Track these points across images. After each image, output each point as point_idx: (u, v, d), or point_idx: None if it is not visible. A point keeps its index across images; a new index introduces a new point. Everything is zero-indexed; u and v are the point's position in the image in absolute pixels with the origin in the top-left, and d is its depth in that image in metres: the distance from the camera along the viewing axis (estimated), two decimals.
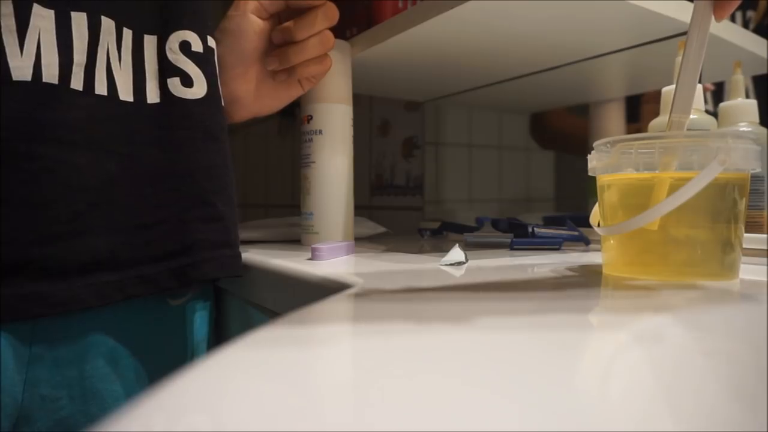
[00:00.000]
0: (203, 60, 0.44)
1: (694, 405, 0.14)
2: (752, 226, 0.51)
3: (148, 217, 0.41)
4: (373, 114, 1.08)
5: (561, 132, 0.99)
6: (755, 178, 0.51)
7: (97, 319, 0.40)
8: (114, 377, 0.41)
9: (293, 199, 1.35)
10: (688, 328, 0.23)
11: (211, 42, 0.46)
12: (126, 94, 0.41)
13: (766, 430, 0.12)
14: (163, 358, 0.44)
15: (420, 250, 0.56)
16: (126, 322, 0.42)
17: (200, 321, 0.48)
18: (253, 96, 0.52)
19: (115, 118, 0.40)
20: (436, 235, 0.75)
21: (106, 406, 0.40)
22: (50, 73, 0.36)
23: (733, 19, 0.68)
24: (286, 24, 0.49)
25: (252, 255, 0.50)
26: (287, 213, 0.76)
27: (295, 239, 0.66)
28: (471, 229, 0.68)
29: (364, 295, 0.30)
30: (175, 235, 0.42)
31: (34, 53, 0.36)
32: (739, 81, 0.54)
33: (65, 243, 0.37)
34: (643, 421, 0.13)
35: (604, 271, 0.38)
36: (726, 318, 0.26)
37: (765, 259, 0.44)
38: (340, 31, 0.75)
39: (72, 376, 0.39)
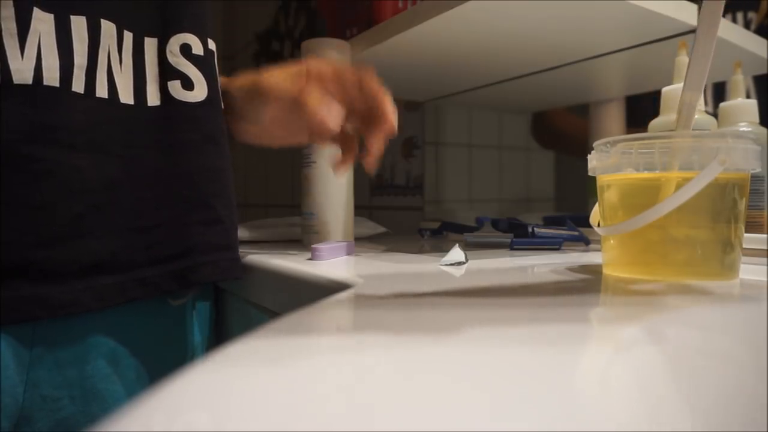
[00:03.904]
0: (204, 63, 0.44)
1: (694, 405, 0.14)
2: (752, 226, 0.51)
3: (148, 220, 0.41)
4: None
5: (563, 133, 0.99)
6: (755, 178, 0.51)
7: (98, 320, 0.40)
8: (115, 377, 0.41)
9: (293, 199, 1.35)
10: (688, 328, 0.23)
11: (212, 44, 0.46)
12: (126, 96, 0.41)
13: (766, 430, 0.12)
14: (163, 358, 0.44)
15: (420, 250, 0.56)
16: (126, 323, 0.42)
17: (200, 321, 0.48)
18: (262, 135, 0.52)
19: (115, 120, 0.40)
20: (436, 235, 0.75)
21: (106, 406, 0.40)
22: (51, 76, 0.36)
23: (734, 19, 0.68)
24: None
25: (252, 255, 0.49)
26: (287, 213, 0.76)
27: (295, 239, 0.66)
28: (471, 229, 0.68)
29: (363, 295, 0.30)
30: (175, 237, 0.42)
31: (35, 56, 0.36)
32: (739, 81, 0.54)
33: (66, 245, 0.37)
34: (642, 420, 0.13)
35: (604, 271, 0.38)
36: (726, 318, 0.26)
37: (765, 259, 0.44)
38: (340, 31, 0.75)
39: (73, 377, 0.39)
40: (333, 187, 0.59)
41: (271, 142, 0.52)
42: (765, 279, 0.36)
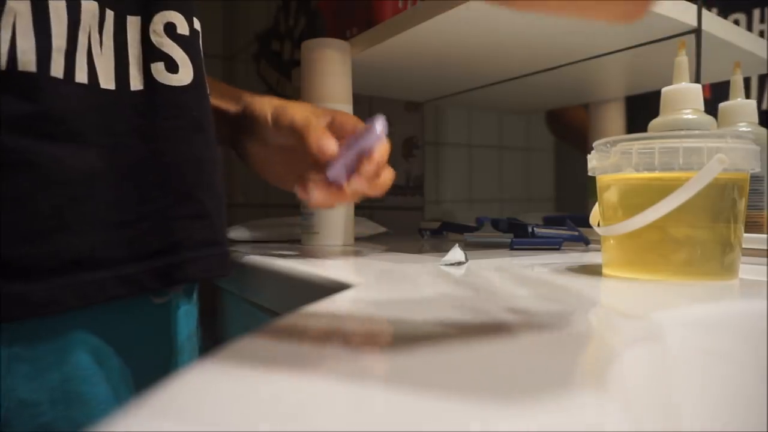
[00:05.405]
0: (189, 43, 0.42)
1: (693, 405, 0.14)
2: (752, 226, 0.51)
3: (130, 214, 0.39)
4: (373, 114, 1.08)
5: (577, 126, 0.98)
6: (755, 178, 0.51)
7: (78, 319, 0.38)
8: (97, 379, 0.39)
9: (293, 199, 1.35)
10: (688, 328, 0.23)
11: (197, 24, 0.43)
12: (107, 81, 0.38)
13: (766, 430, 0.12)
14: (147, 357, 0.42)
15: (420, 250, 0.56)
16: (108, 322, 0.40)
17: (185, 319, 0.47)
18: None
19: (96, 107, 0.37)
20: (436, 235, 0.75)
21: (89, 409, 0.38)
22: (27, 60, 0.34)
23: (749, 18, 0.68)
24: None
25: (252, 255, 0.49)
26: (287, 213, 0.76)
27: (295, 239, 0.66)
28: (471, 229, 0.68)
29: (363, 295, 0.30)
30: (159, 232, 0.40)
31: (9, 40, 0.33)
32: (739, 81, 0.54)
33: (44, 240, 0.35)
34: (642, 420, 0.13)
35: (604, 271, 0.38)
36: (725, 318, 0.26)
37: (765, 259, 0.44)
38: (340, 31, 0.75)
39: (53, 379, 0.37)
40: None
41: (268, 176, 0.53)
42: (765, 279, 0.36)
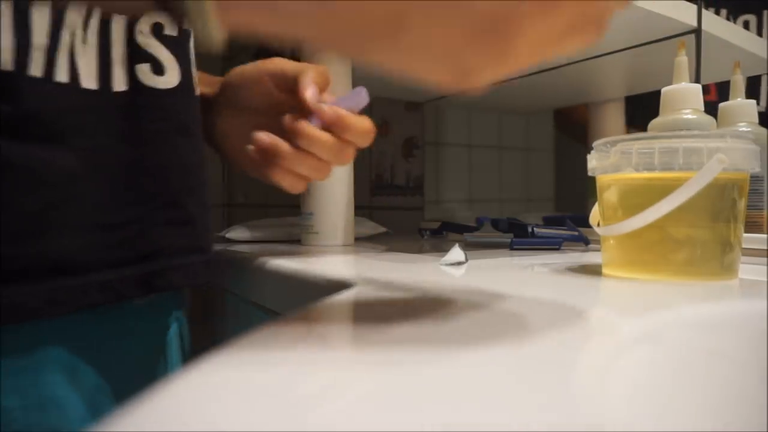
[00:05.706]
0: (177, 45, 0.41)
1: (693, 405, 0.14)
2: (752, 226, 0.51)
3: (111, 218, 0.38)
4: (373, 114, 1.08)
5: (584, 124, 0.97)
6: (754, 178, 0.51)
7: (55, 322, 0.36)
8: (73, 383, 0.37)
9: (293, 199, 1.35)
10: (688, 328, 0.23)
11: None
12: (89, 80, 0.37)
13: (766, 430, 0.12)
14: (126, 360, 0.40)
15: (420, 250, 0.56)
16: (85, 323, 0.38)
17: (167, 319, 0.45)
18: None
19: (76, 107, 0.36)
20: (436, 235, 0.75)
21: (65, 416, 0.36)
22: (4, 59, 0.33)
23: (759, 20, 0.68)
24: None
25: (252, 255, 0.50)
26: (287, 213, 0.76)
27: (295, 239, 0.66)
28: (471, 229, 0.68)
29: (363, 295, 0.30)
30: (141, 238, 0.39)
31: None
32: (739, 81, 0.54)
33: (21, 245, 0.34)
34: (642, 420, 0.13)
35: (604, 271, 0.38)
36: (725, 318, 0.26)
37: (765, 259, 0.44)
38: None
39: (26, 384, 0.35)
40: (333, 187, 0.59)
41: (233, 155, 0.50)
42: (764, 279, 0.36)
